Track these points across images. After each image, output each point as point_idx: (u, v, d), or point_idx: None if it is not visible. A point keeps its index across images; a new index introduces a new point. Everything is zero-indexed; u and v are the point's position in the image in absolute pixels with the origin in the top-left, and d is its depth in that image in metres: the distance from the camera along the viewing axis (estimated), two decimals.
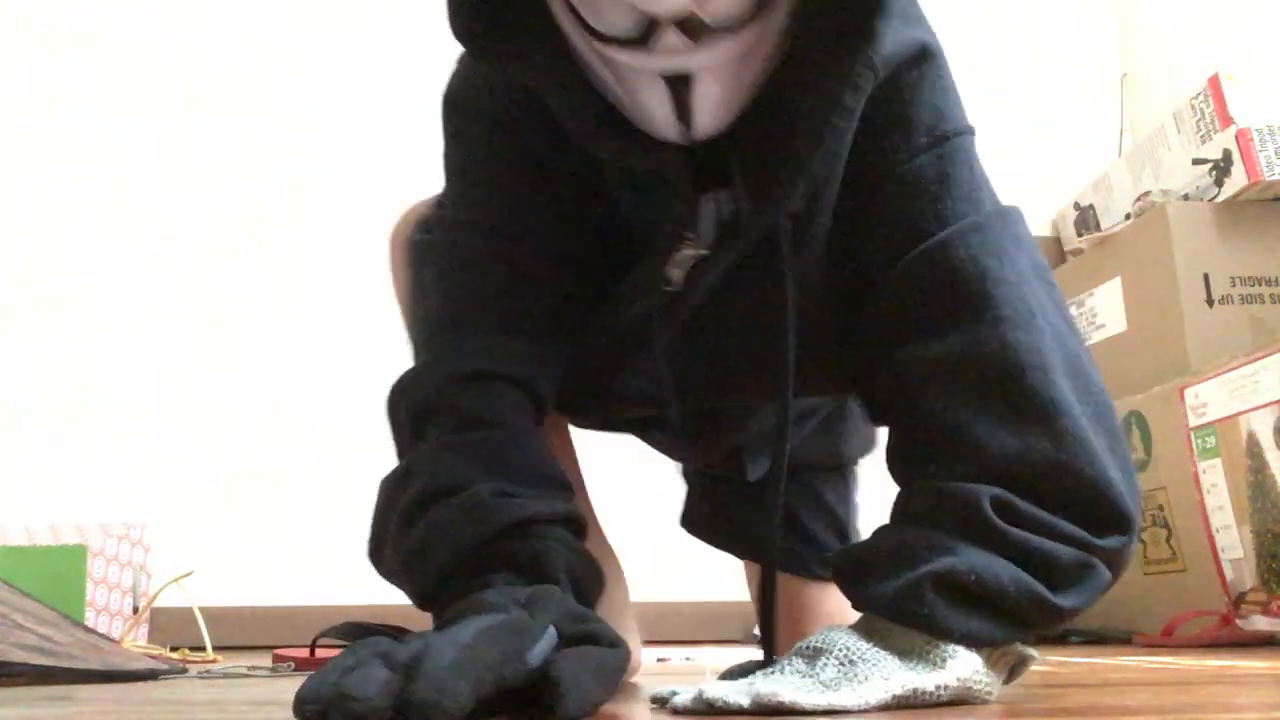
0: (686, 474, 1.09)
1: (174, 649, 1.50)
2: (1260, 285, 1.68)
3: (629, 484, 1.32)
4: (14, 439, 2.03)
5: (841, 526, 1.05)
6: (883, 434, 0.73)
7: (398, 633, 0.65)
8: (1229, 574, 1.43)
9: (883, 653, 0.59)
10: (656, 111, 0.65)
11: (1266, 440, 1.36)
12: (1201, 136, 1.75)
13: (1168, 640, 1.42)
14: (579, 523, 0.71)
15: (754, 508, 1.02)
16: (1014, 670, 0.65)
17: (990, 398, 0.65)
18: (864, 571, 0.63)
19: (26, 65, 2.20)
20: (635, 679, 0.91)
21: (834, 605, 1.00)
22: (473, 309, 0.76)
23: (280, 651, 1.20)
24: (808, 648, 0.60)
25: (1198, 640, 1.37)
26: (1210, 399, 1.47)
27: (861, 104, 0.70)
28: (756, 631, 0.75)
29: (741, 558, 1.10)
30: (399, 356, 0.80)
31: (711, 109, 0.65)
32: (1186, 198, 1.75)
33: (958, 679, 0.59)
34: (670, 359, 0.80)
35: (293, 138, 2.21)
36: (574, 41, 0.66)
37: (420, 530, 0.67)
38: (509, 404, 0.73)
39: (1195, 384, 1.50)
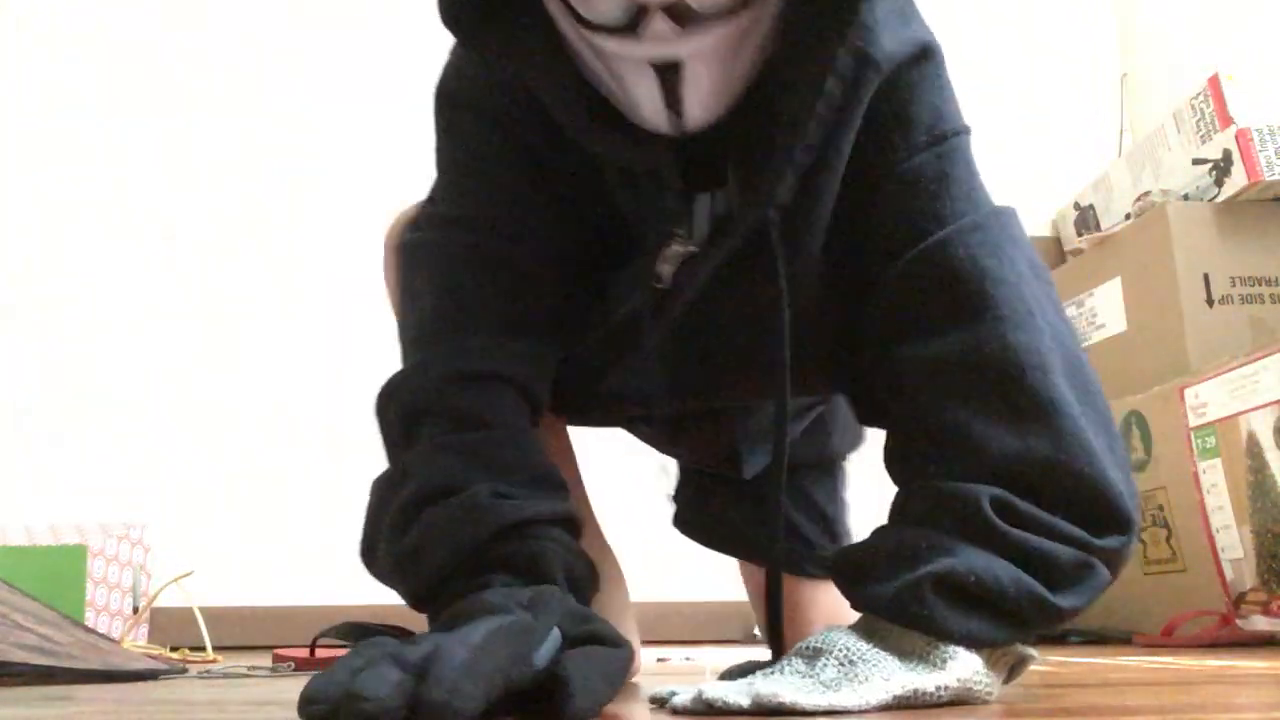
0: (679, 473, 1.09)
1: (174, 649, 1.50)
2: (1260, 285, 1.68)
3: (628, 484, 1.32)
4: (14, 439, 2.03)
5: (831, 524, 1.05)
6: (872, 431, 0.73)
7: (398, 633, 0.65)
8: (1229, 574, 1.43)
9: (883, 653, 0.59)
10: (646, 101, 0.64)
11: (1266, 440, 1.36)
12: (1201, 136, 1.75)
13: (1168, 640, 1.42)
14: (575, 522, 0.71)
15: (750, 506, 1.02)
16: (1013, 670, 0.65)
17: (990, 397, 0.65)
18: (863, 572, 0.63)
19: (26, 65, 2.20)
20: (635, 679, 0.91)
21: (827, 603, 1.00)
22: (465, 308, 0.75)
23: (280, 651, 1.20)
24: (807, 648, 0.60)
25: (1198, 640, 1.37)
26: (1210, 399, 1.47)
27: (864, 99, 0.70)
28: (757, 632, 0.75)
29: (737, 557, 1.10)
30: (399, 357, 0.79)
31: (701, 98, 0.64)
32: (1186, 198, 1.75)
33: (958, 679, 0.59)
34: (665, 357, 0.80)
35: (293, 138, 2.21)
36: (564, 31, 0.66)
37: (416, 531, 0.67)
38: (504, 404, 0.73)
39: (1195, 384, 1.50)
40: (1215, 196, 1.71)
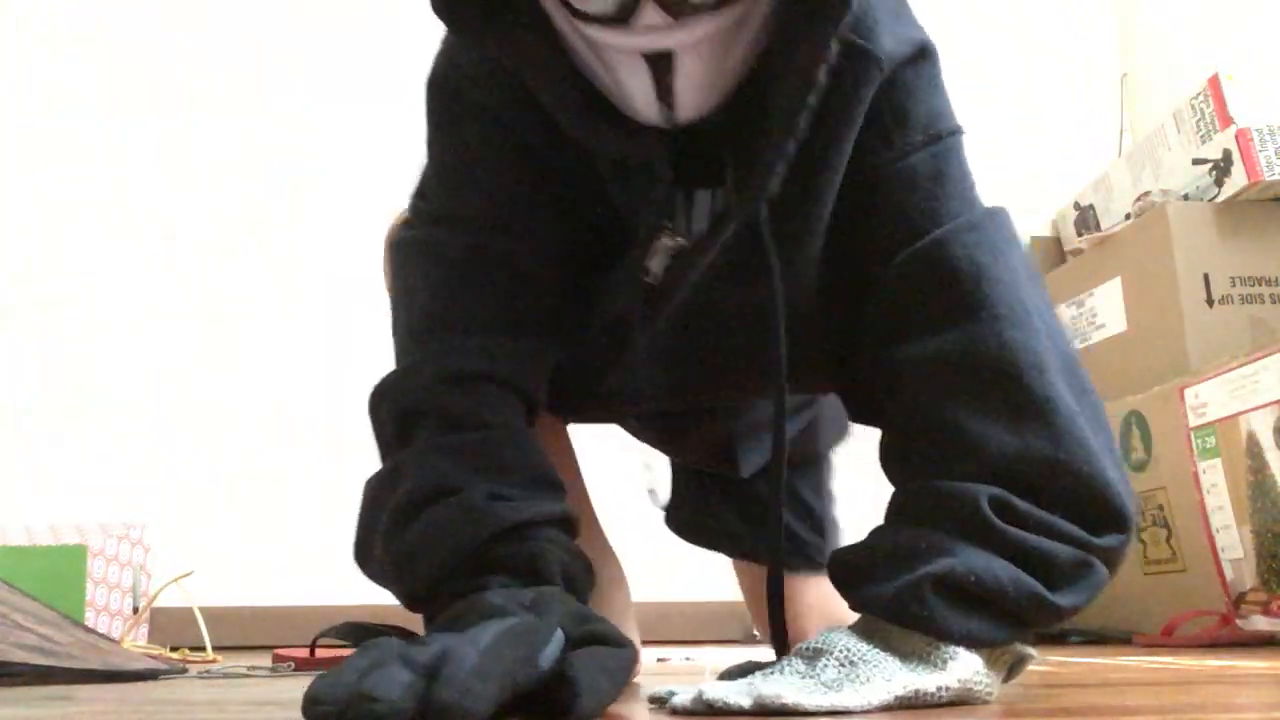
0: (672, 472, 1.09)
1: (174, 649, 1.50)
2: (1260, 285, 1.68)
3: (628, 484, 1.32)
4: (14, 439, 2.03)
5: (816, 519, 1.05)
6: (865, 428, 0.73)
7: (399, 633, 0.65)
8: (1229, 574, 1.43)
9: (883, 654, 0.59)
10: (637, 93, 0.64)
11: (1266, 440, 1.36)
12: (1201, 136, 1.75)
13: (1168, 640, 1.42)
14: (572, 522, 0.71)
15: (741, 505, 1.02)
16: (1013, 669, 0.65)
17: (989, 396, 0.65)
18: (862, 573, 0.63)
19: (26, 65, 2.20)
20: (636, 679, 0.91)
21: (815, 598, 1.00)
22: (459, 308, 0.74)
23: (280, 651, 1.20)
24: (807, 649, 0.60)
25: (1198, 640, 1.37)
26: (1210, 399, 1.47)
27: (866, 98, 0.70)
28: (756, 632, 0.75)
29: (730, 555, 1.10)
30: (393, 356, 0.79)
31: (693, 90, 0.64)
32: (1186, 198, 1.75)
33: (959, 680, 0.59)
34: (662, 355, 0.79)
35: (293, 138, 2.21)
36: (557, 22, 0.65)
37: (414, 532, 0.67)
38: (499, 405, 0.72)
39: (1195, 384, 1.50)
40: (1215, 196, 1.71)
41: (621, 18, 0.62)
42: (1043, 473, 0.63)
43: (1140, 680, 0.82)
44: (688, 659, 1.34)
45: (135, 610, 1.73)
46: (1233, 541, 1.42)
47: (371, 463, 0.75)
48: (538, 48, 0.67)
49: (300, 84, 2.23)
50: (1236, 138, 1.67)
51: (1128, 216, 1.88)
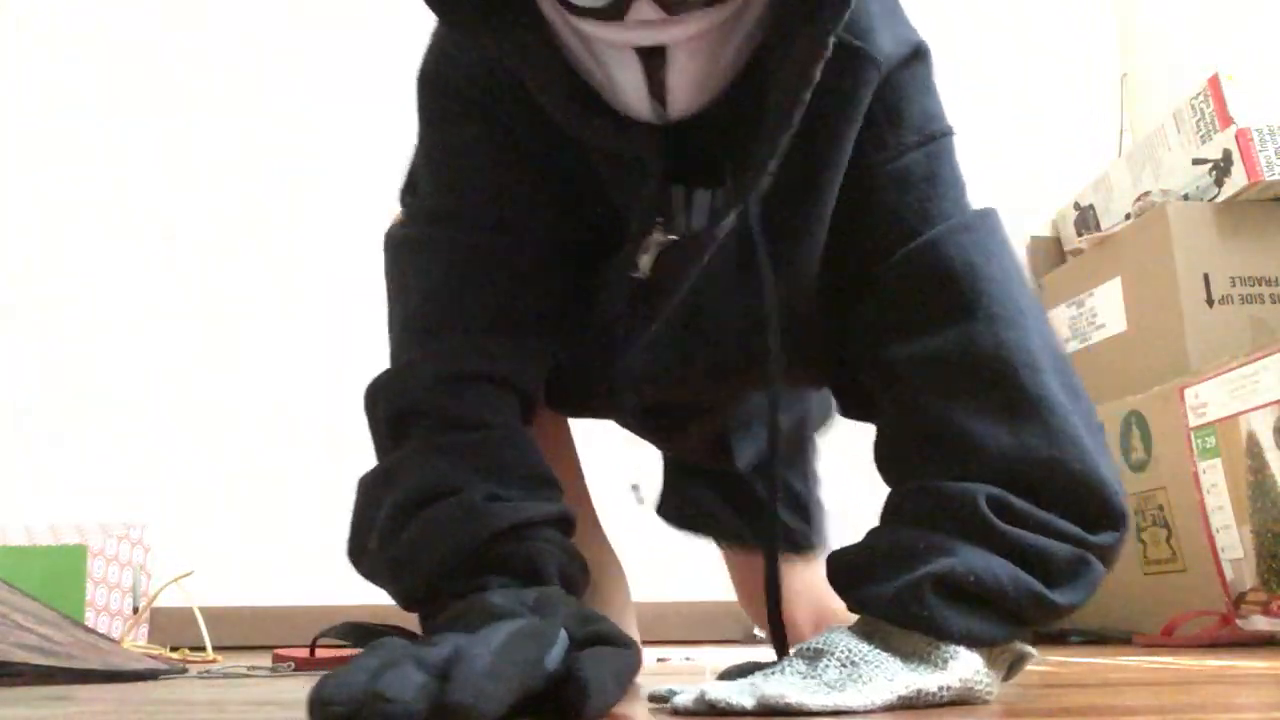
0: (663, 464, 1.10)
1: (174, 649, 1.50)
2: (1260, 285, 1.68)
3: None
4: (14, 439, 2.03)
5: (803, 504, 1.05)
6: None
7: (399, 633, 0.65)
8: (1229, 574, 1.43)
9: (884, 654, 0.59)
10: (630, 88, 0.64)
11: (1266, 440, 1.36)
12: (1201, 136, 1.75)
13: (1168, 640, 1.42)
14: (569, 522, 0.71)
15: (729, 492, 1.03)
16: (1012, 668, 0.65)
17: (986, 396, 0.65)
18: (860, 574, 0.63)
19: (26, 65, 2.19)
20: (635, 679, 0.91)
21: (802, 584, 1.01)
22: (455, 306, 0.74)
23: (280, 651, 1.20)
24: (808, 649, 0.60)
25: (1198, 640, 1.37)
26: (1210, 399, 1.47)
27: (865, 98, 0.70)
28: (757, 632, 0.75)
29: (719, 541, 1.10)
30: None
31: (686, 86, 0.63)
32: (1186, 198, 1.75)
33: (960, 679, 0.59)
34: (659, 351, 0.79)
35: (293, 138, 2.20)
36: (549, 15, 0.65)
37: (412, 531, 0.67)
38: (496, 405, 0.72)
39: (1195, 384, 1.50)
40: (1215, 196, 1.71)
41: (615, 12, 0.61)
42: (1040, 472, 0.63)
43: (1140, 680, 0.82)
44: (688, 659, 1.34)
45: (135, 610, 1.73)
46: (1233, 541, 1.42)
47: (371, 463, 0.75)
48: (533, 42, 0.66)
49: (300, 84, 2.23)
50: (1236, 138, 1.67)
51: (1128, 216, 1.88)
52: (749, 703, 0.54)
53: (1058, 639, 1.58)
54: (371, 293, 0.87)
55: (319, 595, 1.84)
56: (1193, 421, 1.49)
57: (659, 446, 1.04)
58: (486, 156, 0.75)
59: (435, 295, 0.75)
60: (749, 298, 0.72)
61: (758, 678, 0.58)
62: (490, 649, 0.51)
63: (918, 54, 0.74)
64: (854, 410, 0.81)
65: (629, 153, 0.68)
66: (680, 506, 1.09)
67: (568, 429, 0.94)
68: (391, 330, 0.78)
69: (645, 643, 1.00)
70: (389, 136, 0.83)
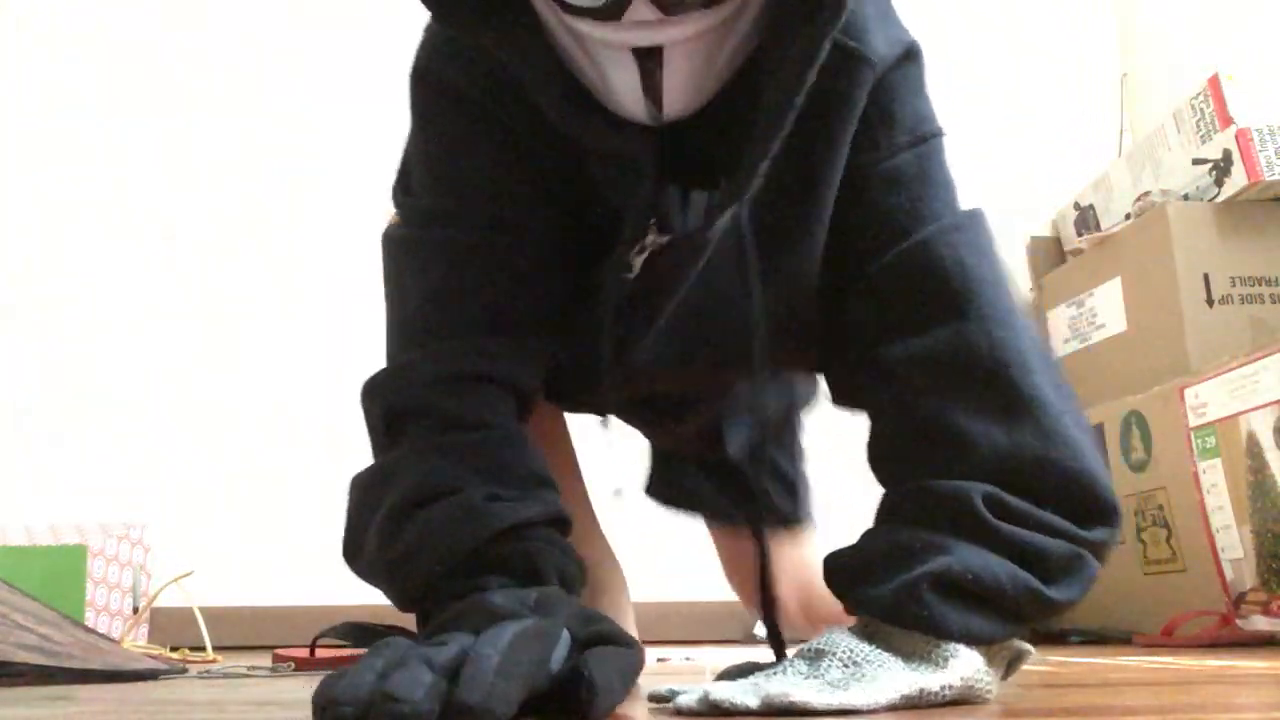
0: (650, 446, 1.11)
1: (174, 649, 1.50)
2: (1260, 285, 1.68)
3: (628, 484, 1.32)
4: (14, 439, 2.03)
5: (789, 480, 1.06)
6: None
7: (400, 633, 0.65)
8: (1229, 574, 1.43)
9: (886, 654, 0.59)
10: (625, 89, 0.63)
11: (1266, 440, 1.36)
12: (1201, 136, 1.75)
13: (1168, 640, 1.42)
14: (566, 521, 0.71)
15: (718, 475, 1.03)
16: (1011, 665, 0.65)
17: (980, 394, 0.66)
18: (858, 575, 0.64)
19: (26, 65, 2.20)
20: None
21: (787, 560, 1.02)
22: (452, 306, 0.74)
23: (280, 651, 1.20)
24: (809, 650, 0.60)
25: (1198, 640, 1.37)
26: (1210, 399, 1.47)
27: (861, 99, 0.70)
28: (758, 631, 0.75)
29: (708, 521, 1.11)
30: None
31: (681, 87, 0.63)
32: (1186, 198, 1.75)
33: (961, 678, 0.59)
34: (657, 349, 0.79)
35: (293, 138, 2.20)
36: (544, 15, 0.65)
37: (411, 532, 0.67)
38: (493, 405, 0.72)
39: (1195, 384, 1.50)
40: (1215, 196, 1.71)
41: (612, 12, 0.61)
42: (1034, 469, 0.64)
43: (1140, 680, 0.82)
44: (688, 659, 1.34)
45: (135, 610, 1.73)
46: (1233, 541, 1.42)
47: (370, 463, 0.75)
48: (523, 39, 0.66)
49: (300, 84, 2.23)
50: (1236, 138, 1.67)
51: (1128, 216, 1.88)
52: (753, 702, 0.54)
53: (1058, 639, 1.58)
54: (371, 293, 0.87)
55: (319, 595, 1.84)
56: (1193, 421, 1.49)
57: (651, 438, 1.05)
58: (484, 155, 0.74)
59: (434, 295, 0.75)
60: (735, 295, 0.72)
61: (760, 678, 0.58)
62: (498, 649, 0.51)
63: (910, 55, 0.74)
64: (844, 399, 0.81)
65: (624, 154, 0.68)
66: (668, 485, 1.10)
67: (565, 427, 0.94)
68: (390, 330, 0.78)
69: (645, 642, 1.00)
70: (389, 136, 0.83)
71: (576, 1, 0.62)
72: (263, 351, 2.13)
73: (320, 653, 1.08)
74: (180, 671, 1.09)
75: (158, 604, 1.63)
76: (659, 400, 0.91)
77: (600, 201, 0.73)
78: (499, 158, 0.74)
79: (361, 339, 0.94)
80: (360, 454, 0.76)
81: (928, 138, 0.74)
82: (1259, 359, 1.39)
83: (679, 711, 0.56)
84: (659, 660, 1.30)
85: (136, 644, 1.56)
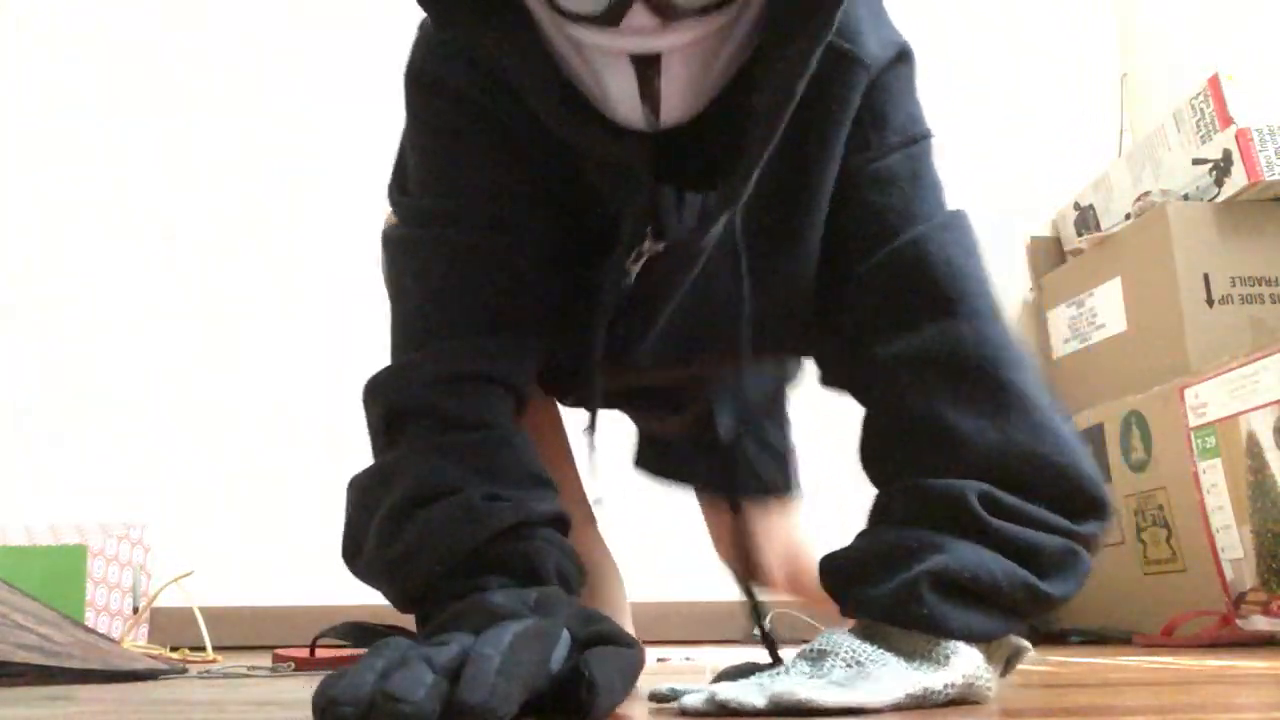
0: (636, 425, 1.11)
1: (174, 649, 1.50)
2: (1260, 285, 1.68)
3: (628, 484, 1.32)
4: (14, 439, 2.03)
5: (776, 450, 1.07)
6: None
7: (400, 633, 0.65)
8: (1229, 574, 1.43)
9: (888, 654, 0.59)
10: (622, 96, 0.63)
11: (1266, 440, 1.36)
12: (1201, 136, 1.75)
13: (1168, 640, 1.42)
14: (565, 520, 0.71)
15: (703, 445, 1.04)
16: (1009, 662, 0.65)
17: (971, 392, 0.66)
18: (855, 577, 0.64)
19: (26, 65, 2.20)
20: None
21: (775, 527, 1.04)
22: (455, 308, 0.74)
23: (280, 651, 1.20)
24: (812, 651, 0.60)
25: (1198, 640, 1.37)
26: (1210, 399, 1.47)
27: (855, 101, 0.71)
28: (757, 632, 0.75)
29: (692, 489, 1.12)
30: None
31: (678, 94, 0.63)
32: (1186, 198, 1.76)
33: (963, 676, 0.59)
34: (655, 351, 0.80)
35: (293, 138, 2.20)
36: (541, 21, 0.64)
37: (411, 532, 0.67)
38: (492, 405, 0.72)
39: (1195, 384, 1.50)
40: (1215, 196, 1.71)
41: (610, 19, 0.61)
42: (1025, 465, 0.64)
43: (1140, 680, 0.82)
44: (688, 659, 1.34)
45: (135, 610, 1.73)
46: (1233, 541, 1.42)
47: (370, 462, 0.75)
48: (520, 43, 0.66)
49: (300, 84, 2.23)
50: (1236, 138, 1.67)
51: (1128, 216, 1.88)
52: (760, 702, 0.54)
53: (1058, 639, 1.58)
54: (371, 293, 0.87)
55: (319, 595, 1.84)
56: (1193, 421, 1.49)
57: (642, 426, 1.05)
58: (482, 155, 0.75)
59: (433, 295, 0.75)
60: (728, 296, 0.73)
61: (764, 677, 0.58)
62: (499, 649, 0.51)
63: (902, 56, 0.75)
64: (833, 380, 0.82)
65: (620, 161, 0.68)
66: (657, 457, 1.10)
67: (559, 415, 0.94)
68: (393, 330, 0.78)
69: (645, 642, 1.00)
70: (389, 136, 0.83)
71: (574, 8, 0.61)
72: (263, 351, 2.13)
73: (320, 653, 1.08)
74: (180, 671, 1.09)
75: (158, 604, 1.63)
76: (651, 393, 0.92)
77: (597, 204, 0.74)
78: (497, 158, 0.74)
79: (361, 339, 0.95)
80: (360, 454, 0.76)
81: (918, 139, 0.75)
82: (1259, 359, 1.39)
83: (685, 712, 0.56)
84: (659, 660, 1.30)
85: (136, 644, 1.56)
